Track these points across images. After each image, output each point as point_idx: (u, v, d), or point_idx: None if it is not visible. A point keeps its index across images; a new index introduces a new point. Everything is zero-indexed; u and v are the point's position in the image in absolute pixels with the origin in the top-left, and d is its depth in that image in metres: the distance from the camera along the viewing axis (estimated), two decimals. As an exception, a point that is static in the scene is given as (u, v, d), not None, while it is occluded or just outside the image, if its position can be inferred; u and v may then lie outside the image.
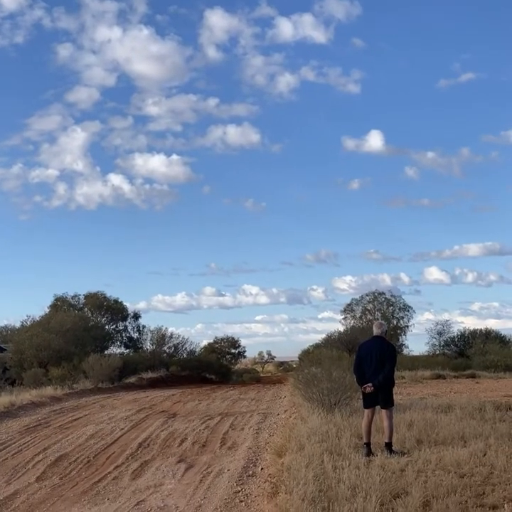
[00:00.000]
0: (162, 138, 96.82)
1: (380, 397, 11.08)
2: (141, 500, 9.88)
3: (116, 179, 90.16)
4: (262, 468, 11.14)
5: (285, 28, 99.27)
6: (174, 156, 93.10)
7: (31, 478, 12.13)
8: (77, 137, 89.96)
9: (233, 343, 74.76)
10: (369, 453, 10.55)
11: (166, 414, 19.45)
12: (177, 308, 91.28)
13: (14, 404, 22.65)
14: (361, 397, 11.73)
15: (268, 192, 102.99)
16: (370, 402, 11.23)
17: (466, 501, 7.54)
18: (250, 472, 11.02)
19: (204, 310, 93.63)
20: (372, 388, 11.03)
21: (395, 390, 11.95)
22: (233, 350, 74.35)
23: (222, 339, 73.95)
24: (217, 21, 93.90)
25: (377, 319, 72.98)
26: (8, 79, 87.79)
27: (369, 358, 11.18)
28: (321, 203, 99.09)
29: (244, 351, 73.42)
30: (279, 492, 8.61)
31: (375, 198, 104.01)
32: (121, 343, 57.74)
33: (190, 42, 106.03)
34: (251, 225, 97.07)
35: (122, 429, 16.82)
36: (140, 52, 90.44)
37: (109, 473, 12.20)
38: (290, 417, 16.74)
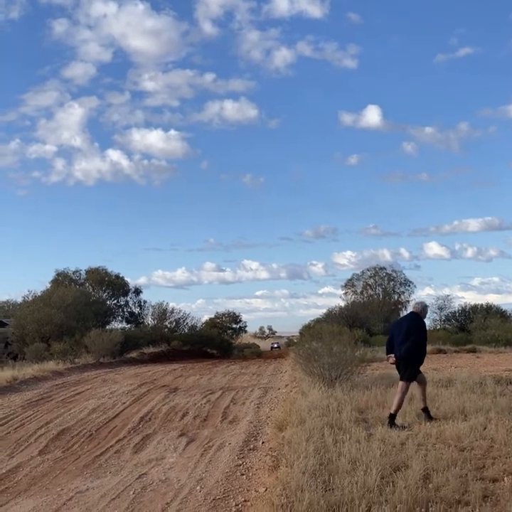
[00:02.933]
0: (159, 113, 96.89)
1: (399, 369, 11.22)
2: (143, 474, 9.94)
3: (114, 155, 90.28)
4: (262, 442, 11.20)
5: (281, 3, 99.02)
6: (172, 132, 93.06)
7: (34, 451, 12.21)
8: (75, 113, 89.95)
9: (234, 318, 74.94)
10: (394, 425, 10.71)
11: (167, 389, 19.52)
12: (177, 283, 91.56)
13: (16, 379, 22.75)
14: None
15: (266, 167, 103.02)
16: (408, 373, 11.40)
17: (466, 474, 7.57)
18: (251, 446, 11.08)
19: (204, 285, 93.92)
20: (395, 360, 11.18)
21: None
22: (234, 325, 74.53)
23: (223, 314, 74.11)
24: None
25: (378, 294, 73.13)
26: (4, 54, 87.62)
27: (398, 331, 11.40)
28: (319, 178, 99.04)
29: (246, 326, 73.62)
30: (279, 465, 8.65)
31: (373, 173, 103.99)
32: (122, 318, 57.92)
33: (186, 17, 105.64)
34: (249, 201, 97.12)
35: (124, 403, 16.90)
36: (136, 27, 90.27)
37: (111, 446, 12.28)
38: (291, 391, 16.81)
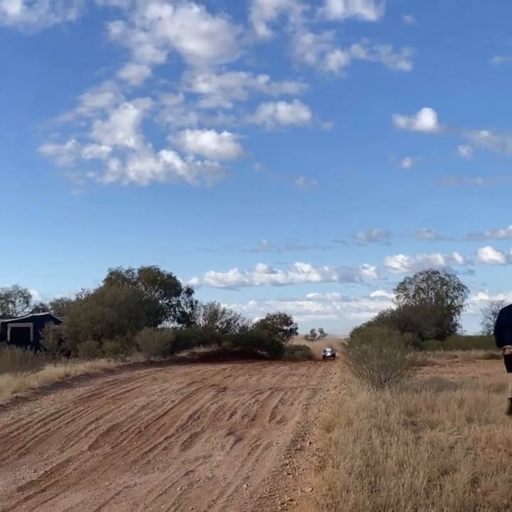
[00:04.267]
0: (213, 115, 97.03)
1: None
2: (190, 471, 10.01)
3: (167, 156, 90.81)
4: (310, 443, 11.19)
5: (335, 6, 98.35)
6: (225, 133, 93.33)
7: (84, 446, 12.39)
8: (129, 114, 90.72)
9: (285, 319, 74.76)
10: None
11: (216, 388, 19.62)
12: (229, 284, 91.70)
13: (69, 375, 23.10)
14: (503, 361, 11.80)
15: (319, 170, 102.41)
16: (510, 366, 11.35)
17: (515, 479, 7.47)
18: (298, 446, 11.08)
19: (256, 287, 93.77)
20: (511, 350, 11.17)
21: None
22: (285, 327, 74.39)
23: (274, 316, 74.03)
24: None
25: (431, 298, 72.38)
26: (61, 56, 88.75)
27: (509, 320, 11.33)
28: (373, 181, 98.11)
29: (296, 328, 73.43)
30: (326, 466, 8.63)
31: (427, 176, 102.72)
32: (174, 317, 58.20)
33: (241, 20, 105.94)
34: (302, 203, 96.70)
35: (173, 401, 17.03)
36: (190, 29, 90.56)
37: (160, 443, 12.39)
38: (340, 393, 16.76)
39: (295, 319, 72.91)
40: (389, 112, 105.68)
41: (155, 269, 57.40)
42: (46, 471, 10.55)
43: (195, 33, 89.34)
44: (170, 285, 57.79)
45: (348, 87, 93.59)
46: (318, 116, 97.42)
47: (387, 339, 15.87)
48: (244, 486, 8.88)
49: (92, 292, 47.42)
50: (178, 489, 8.96)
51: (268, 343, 59.20)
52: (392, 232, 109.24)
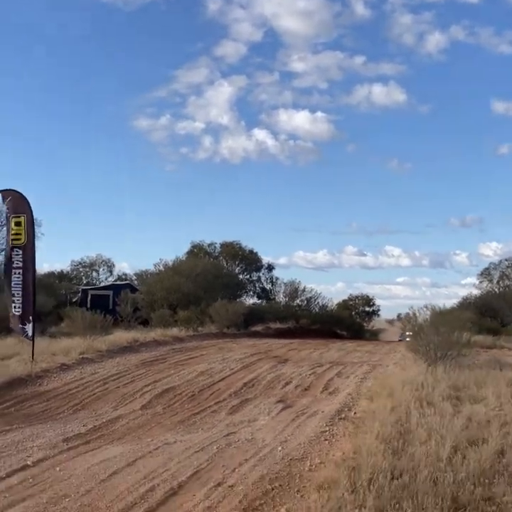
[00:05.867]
0: (307, 94, 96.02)
1: None
2: (231, 432, 10.23)
3: (260, 134, 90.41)
4: (354, 413, 11.25)
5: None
6: (319, 113, 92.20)
7: (137, 405, 12.79)
8: (224, 91, 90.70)
9: (368, 301, 74.06)
10: None
11: (278, 359, 19.79)
12: (318, 265, 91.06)
13: (137, 341, 23.57)
14: None
15: (413, 153, 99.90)
16: None
17: (542, 453, 7.42)
18: (343, 415, 11.15)
19: (345, 269, 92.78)
20: None
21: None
22: (367, 309, 73.76)
23: (356, 297, 73.48)
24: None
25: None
26: (158, 31, 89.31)
27: None
28: (468, 166, 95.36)
29: (379, 310, 72.73)
30: (359, 432, 8.72)
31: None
32: (254, 293, 58.46)
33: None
34: (395, 186, 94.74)
35: (232, 369, 17.29)
36: (288, 7, 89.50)
37: (209, 407, 12.67)
38: (396, 368, 16.72)
39: (383, 303, 72.06)
40: (487, 96, 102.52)
41: (237, 244, 57.61)
42: (95, 426, 10.96)
43: (292, 11, 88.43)
44: (251, 260, 57.96)
45: (446, 69, 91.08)
46: (415, 99, 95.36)
47: (450, 319, 15.63)
48: (280, 448, 9.04)
49: (170, 263, 48.04)
50: (215, 448, 9.18)
51: (348, 323, 58.81)
52: (486, 219, 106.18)
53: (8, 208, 18.51)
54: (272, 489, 7.12)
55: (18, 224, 18.06)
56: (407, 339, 52.37)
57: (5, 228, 23.31)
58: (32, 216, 18.22)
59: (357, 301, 73.02)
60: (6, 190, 18.60)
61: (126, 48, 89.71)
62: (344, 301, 70.85)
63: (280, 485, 7.27)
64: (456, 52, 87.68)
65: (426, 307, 16.65)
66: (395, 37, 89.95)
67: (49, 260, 79.07)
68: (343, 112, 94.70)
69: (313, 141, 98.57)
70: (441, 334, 14.91)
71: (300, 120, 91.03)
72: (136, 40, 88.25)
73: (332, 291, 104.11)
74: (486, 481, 6.59)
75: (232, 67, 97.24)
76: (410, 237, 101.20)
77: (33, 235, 18.33)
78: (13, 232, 18.15)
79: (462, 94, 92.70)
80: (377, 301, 69.21)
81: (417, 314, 16.28)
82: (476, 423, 8.99)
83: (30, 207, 18.14)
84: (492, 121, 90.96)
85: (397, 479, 6.48)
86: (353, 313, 66.40)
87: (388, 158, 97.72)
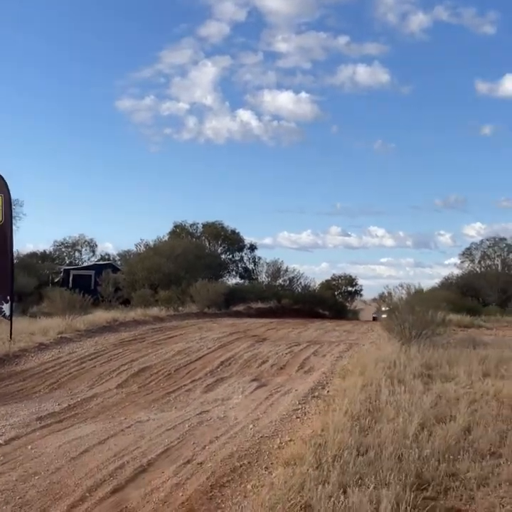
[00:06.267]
0: (291, 75, 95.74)
1: None
2: (204, 411, 10.30)
3: (244, 115, 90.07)
4: (328, 391, 11.34)
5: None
6: (303, 94, 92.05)
7: (112, 384, 12.85)
8: (208, 72, 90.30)
9: (350, 281, 74.23)
10: None
11: (256, 339, 19.87)
12: (302, 245, 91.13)
13: (117, 320, 23.58)
14: None
15: (397, 133, 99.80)
16: None
17: (508, 429, 7.52)
18: (316, 393, 11.25)
19: (329, 249, 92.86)
20: None
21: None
22: (350, 289, 73.93)
23: (339, 276, 73.57)
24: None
25: (497, 265, 71.26)
26: (141, 12, 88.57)
27: None
28: (451, 146, 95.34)
29: (361, 290, 72.99)
30: (329, 410, 8.80)
31: (508, 144, 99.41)
32: (236, 273, 58.46)
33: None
34: (379, 167, 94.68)
35: (209, 348, 17.36)
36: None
37: (185, 385, 12.74)
38: (372, 347, 16.84)
39: (366, 283, 72.24)
40: (471, 77, 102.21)
41: (219, 224, 57.52)
42: (69, 405, 11.01)
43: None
44: (233, 241, 57.93)
45: (429, 50, 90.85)
46: (398, 79, 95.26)
47: (424, 298, 15.75)
48: (251, 426, 9.13)
49: (151, 244, 48.02)
50: (187, 426, 9.25)
51: (331, 302, 58.91)
52: (469, 200, 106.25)
53: (-16, 188, 18.41)
54: (240, 466, 7.20)
55: (-5, 204, 18.00)
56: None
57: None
58: (9, 196, 18.17)
59: (340, 281, 73.15)
60: (-17, 169, 18.52)
61: (110, 29, 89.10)
62: (327, 281, 70.90)
63: (249, 462, 7.34)
64: (439, 33, 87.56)
65: (401, 286, 16.73)
66: (379, 16, 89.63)
67: (34, 241, 78.64)
68: (327, 92, 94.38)
69: (297, 122, 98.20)
70: (416, 313, 15.04)
71: (284, 101, 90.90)
72: (120, 21, 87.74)
73: (316, 272, 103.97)
74: (451, 457, 6.70)
75: (216, 47, 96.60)
76: (394, 217, 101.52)
77: (11, 215, 18.29)
78: (-9, 211, 18.09)
79: (445, 75, 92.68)
80: (360, 281, 69.19)
81: (393, 293, 16.37)
82: (445, 401, 9.10)
83: (7, 187, 18.07)
84: (475, 102, 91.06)
85: (363, 456, 6.57)
86: (336, 293, 66.52)
87: (372, 139, 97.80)
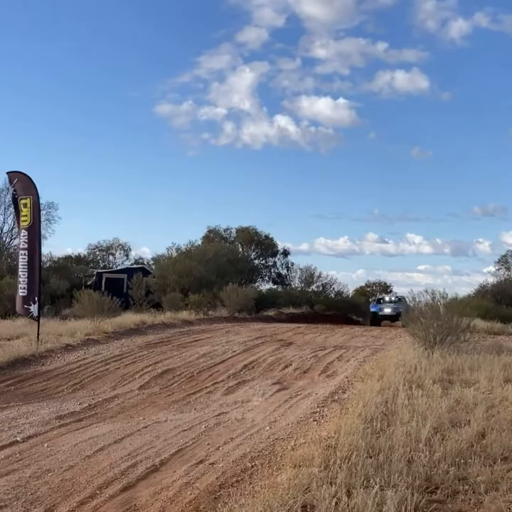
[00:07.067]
0: (329, 81, 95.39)
1: None
2: (223, 412, 10.34)
3: (282, 120, 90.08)
4: (348, 395, 11.31)
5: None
6: (341, 100, 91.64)
7: (135, 386, 12.94)
8: (246, 77, 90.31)
9: (385, 288, 74.00)
10: None
11: (281, 343, 19.86)
12: (339, 252, 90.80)
13: (145, 323, 23.73)
14: None
15: (435, 140, 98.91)
16: None
17: (522, 436, 7.45)
18: (336, 397, 11.21)
19: (366, 256, 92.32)
20: None
21: None
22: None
23: (374, 283, 73.48)
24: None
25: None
26: (180, 17, 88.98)
27: None
28: (491, 154, 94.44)
29: (395, 297, 72.73)
30: (345, 413, 8.79)
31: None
32: (269, 278, 58.47)
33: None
34: (416, 174, 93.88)
35: (234, 351, 17.39)
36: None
37: (206, 388, 12.79)
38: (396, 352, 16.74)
39: (404, 290, 71.73)
40: (511, 83, 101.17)
41: (252, 229, 57.61)
42: (90, 405, 11.12)
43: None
44: (266, 246, 57.97)
45: (469, 56, 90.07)
46: (437, 86, 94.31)
47: (452, 305, 15.65)
48: (268, 428, 9.14)
49: (183, 248, 48.19)
50: (203, 427, 9.30)
51: (364, 309, 58.67)
52: (509, 208, 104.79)
53: (15, 190, 18.64)
54: (252, 467, 7.21)
55: (25, 206, 18.23)
56: (386, 311, 39.87)
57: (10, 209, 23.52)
58: (38, 198, 18.37)
59: (374, 288, 73.00)
60: (13, 172, 18.78)
61: (149, 35, 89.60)
62: (361, 287, 70.80)
63: (260, 463, 7.35)
64: (479, 39, 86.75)
65: (426, 292, 16.60)
66: (418, 23, 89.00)
67: (72, 245, 79.78)
68: (365, 98, 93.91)
69: (335, 128, 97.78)
70: (441, 319, 14.93)
71: (322, 107, 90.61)
72: (159, 27, 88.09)
73: (353, 278, 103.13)
74: (462, 461, 6.65)
75: (254, 53, 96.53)
76: (432, 224, 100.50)
77: (39, 216, 18.47)
78: (22, 213, 18.33)
79: (485, 81, 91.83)
80: (397, 289, 68.68)
81: (417, 299, 16.27)
82: (463, 406, 9.03)
83: (36, 189, 18.28)
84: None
85: (372, 458, 6.54)
86: (370, 299, 66.22)
87: (410, 146, 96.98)
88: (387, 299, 45.38)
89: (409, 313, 16.83)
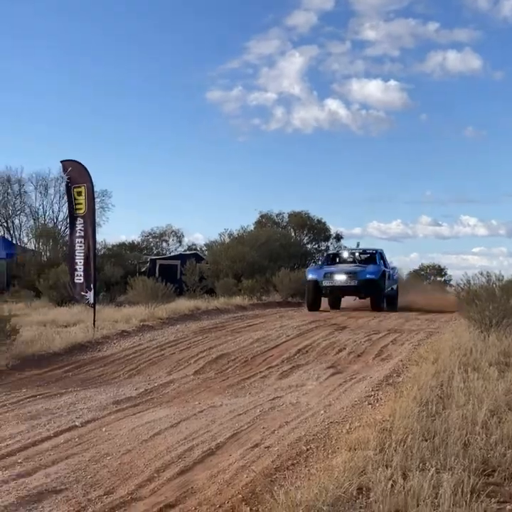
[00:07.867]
0: (379, 63, 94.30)
1: None
2: (277, 397, 10.39)
3: (332, 104, 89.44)
4: (403, 379, 11.26)
5: None
6: (391, 82, 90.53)
7: (190, 371, 13.08)
8: (295, 61, 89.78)
9: (439, 270, 73.27)
10: None
11: (335, 327, 19.82)
12: (392, 235, 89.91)
13: (199, 309, 23.94)
14: None
15: (489, 120, 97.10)
16: None
17: None
18: (390, 381, 11.18)
19: (419, 239, 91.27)
20: None
21: None
22: (439, 278, 72.86)
23: (428, 266, 72.80)
24: None
25: None
26: (229, 3, 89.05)
27: None
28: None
29: (450, 280, 71.90)
30: (400, 397, 8.77)
31: None
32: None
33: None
34: (470, 155, 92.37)
35: (288, 336, 17.42)
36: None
37: (260, 372, 12.86)
38: (451, 335, 16.59)
39: (459, 273, 70.86)
40: None
41: (305, 214, 57.43)
42: (146, 390, 11.27)
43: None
44: (319, 230, 57.76)
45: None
46: (490, 65, 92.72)
47: (508, 287, 15.38)
48: (322, 411, 9.17)
49: (235, 233, 48.34)
50: (258, 411, 9.36)
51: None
52: None
53: (68, 178, 18.92)
54: (307, 450, 7.25)
55: (79, 194, 18.51)
56: (340, 279, 25.82)
57: (65, 198, 23.85)
58: (92, 186, 18.65)
59: (428, 271, 72.32)
60: (67, 160, 19.09)
61: (197, 22, 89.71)
62: (415, 270, 70.17)
63: (316, 446, 7.39)
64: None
65: (481, 274, 16.34)
66: (469, 2, 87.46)
67: (127, 232, 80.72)
68: (416, 80, 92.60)
69: (386, 111, 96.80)
70: (497, 301, 14.72)
71: (372, 89, 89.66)
72: (210, 13, 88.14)
73: (407, 262, 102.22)
74: (520, 444, 6.58)
75: (303, 37, 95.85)
76: (486, 206, 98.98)
77: (93, 205, 18.76)
78: (76, 201, 18.62)
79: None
80: (452, 271, 67.97)
81: (471, 281, 16.04)
82: (522, 388, 8.93)
83: (90, 177, 18.55)
84: None
85: (427, 441, 6.52)
86: (424, 282, 65.62)
87: (463, 126, 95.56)
88: (345, 255, 29.33)
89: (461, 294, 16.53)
